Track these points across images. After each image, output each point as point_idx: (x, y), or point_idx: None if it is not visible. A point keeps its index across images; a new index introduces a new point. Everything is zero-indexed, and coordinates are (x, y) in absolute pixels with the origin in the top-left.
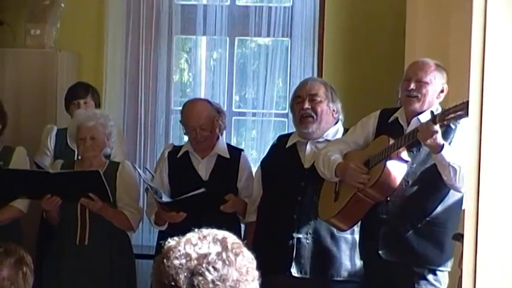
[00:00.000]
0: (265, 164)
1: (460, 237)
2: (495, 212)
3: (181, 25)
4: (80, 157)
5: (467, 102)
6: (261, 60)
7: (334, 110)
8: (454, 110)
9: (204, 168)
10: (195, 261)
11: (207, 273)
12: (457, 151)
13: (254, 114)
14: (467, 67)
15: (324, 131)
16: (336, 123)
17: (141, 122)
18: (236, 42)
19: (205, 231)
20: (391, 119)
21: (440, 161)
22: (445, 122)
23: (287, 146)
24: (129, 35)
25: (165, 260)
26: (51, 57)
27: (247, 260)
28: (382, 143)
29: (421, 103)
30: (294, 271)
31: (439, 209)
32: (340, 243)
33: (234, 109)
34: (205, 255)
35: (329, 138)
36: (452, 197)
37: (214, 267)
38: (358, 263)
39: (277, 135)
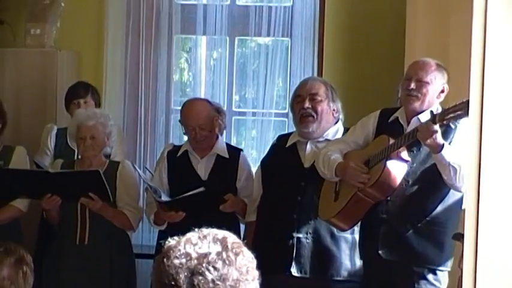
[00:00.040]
0: (265, 163)
1: (460, 237)
2: (495, 212)
3: (181, 25)
4: (80, 156)
5: (467, 101)
6: (261, 59)
7: (334, 110)
8: (454, 110)
9: (203, 167)
10: (195, 261)
11: (207, 272)
12: (457, 151)
13: (254, 114)
14: (467, 67)
15: (324, 130)
16: (336, 122)
17: (141, 121)
18: (236, 42)
19: (205, 230)
20: (391, 118)
21: (440, 160)
22: (445, 122)
23: (287, 145)
24: (129, 34)
25: (165, 260)
26: (51, 56)
27: (247, 260)
28: (382, 142)
29: (421, 102)
30: (294, 271)
31: (439, 208)
32: (340, 242)
33: (234, 109)
34: (206, 255)
35: (329, 137)
36: (452, 196)
37: (214, 267)
38: (358, 262)
39: (277, 135)
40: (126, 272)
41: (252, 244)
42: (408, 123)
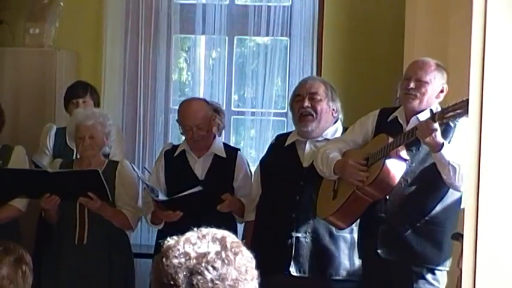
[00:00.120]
0: (264, 163)
1: (458, 236)
2: (495, 211)
3: (180, 24)
4: (78, 156)
5: (467, 100)
6: (260, 59)
7: (333, 109)
8: (454, 109)
9: (200, 167)
10: (194, 260)
11: (206, 272)
12: (456, 150)
13: (253, 114)
14: (466, 67)
15: (323, 129)
16: (335, 122)
17: (140, 121)
18: (235, 42)
19: (204, 230)
20: (390, 118)
21: (440, 159)
22: (445, 120)
23: (286, 144)
24: (128, 34)
25: (164, 259)
26: (50, 56)
27: (246, 259)
28: (381, 141)
29: (420, 102)
30: (292, 270)
31: (438, 208)
32: (339, 242)
33: (233, 108)
34: (205, 255)
35: (328, 137)
36: (451, 196)
37: (213, 267)
38: (357, 262)
39: (275, 135)
40: (125, 272)
41: (251, 244)
42: (407, 122)
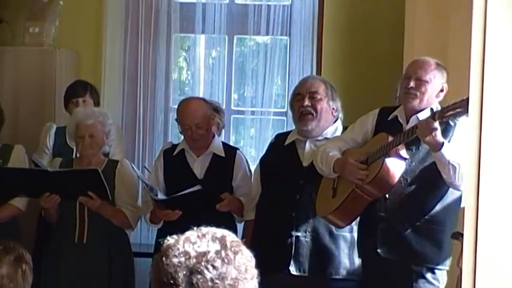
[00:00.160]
0: (264, 162)
1: (458, 235)
2: (495, 210)
3: (180, 23)
4: (78, 155)
5: (467, 99)
6: (260, 58)
7: (333, 108)
8: (454, 107)
9: (199, 166)
10: (194, 260)
11: (206, 271)
12: (456, 149)
13: (253, 113)
14: (466, 67)
15: (323, 129)
16: (335, 121)
17: (140, 120)
18: (235, 41)
19: (204, 229)
20: (390, 117)
21: (440, 158)
22: (444, 119)
23: (286, 143)
24: (128, 33)
25: (164, 258)
26: (49, 55)
27: (246, 258)
28: (381, 140)
29: (420, 101)
30: (292, 269)
31: (438, 207)
32: (338, 241)
33: (232, 107)
34: (204, 254)
35: (328, 136)
36: (451, 195)
37: (213, 266)
38: (357, 261)
39: (275, 134)
40: (125, 271)
41: (251, 243)
42: (407, 121)
